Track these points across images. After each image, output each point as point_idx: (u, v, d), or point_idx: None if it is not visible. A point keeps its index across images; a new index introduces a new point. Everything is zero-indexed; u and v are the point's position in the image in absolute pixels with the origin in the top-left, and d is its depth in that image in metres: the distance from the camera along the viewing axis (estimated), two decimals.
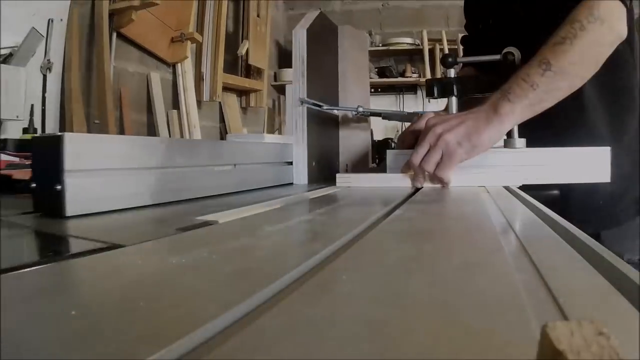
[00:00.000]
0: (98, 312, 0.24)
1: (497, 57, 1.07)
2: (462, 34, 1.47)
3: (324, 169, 1.26)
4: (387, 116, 1.42)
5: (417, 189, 0.96)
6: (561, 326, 0.15)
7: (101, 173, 0.61)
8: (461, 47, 1.49)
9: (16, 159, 1.25)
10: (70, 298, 0.26)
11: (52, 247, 0.46)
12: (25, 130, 1.83)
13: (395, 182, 1.01)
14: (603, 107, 1.11)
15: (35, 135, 0.63)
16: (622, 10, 0.95)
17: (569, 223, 0.51)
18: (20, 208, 0.65)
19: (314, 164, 1.18)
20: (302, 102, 1.16)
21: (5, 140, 1.32)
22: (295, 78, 1.17)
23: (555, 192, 1.06)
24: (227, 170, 0.88)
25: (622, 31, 0.95)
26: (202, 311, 0.23)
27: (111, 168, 0.62)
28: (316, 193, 0.90)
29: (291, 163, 1.15)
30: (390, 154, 1.10)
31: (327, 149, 1.33)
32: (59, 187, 0.55)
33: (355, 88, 1.50)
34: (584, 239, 0.41)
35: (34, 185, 0.60)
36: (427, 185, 0.98)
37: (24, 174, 1.00)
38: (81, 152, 0.57)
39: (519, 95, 0.93)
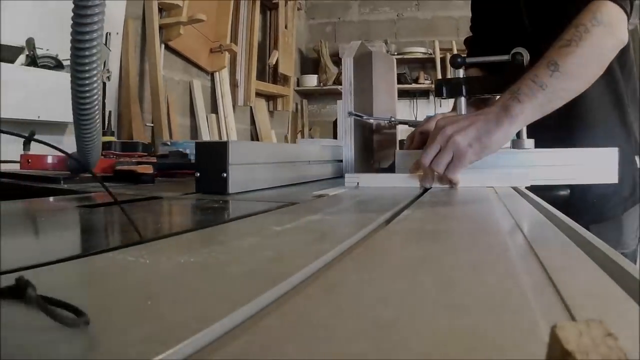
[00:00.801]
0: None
1: (506, 57, 1.09)
2: (468, 35, 1.56)
3: (364, 166, 1.59)
4: (413, 124, 1.75)
5: (426, 189, 0.97)
6: (570, 327, 0.15)
7: (248, 166, 0.95)
8: (466, 48, 1.58)
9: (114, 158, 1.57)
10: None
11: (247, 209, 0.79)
12: (104, 134, 2.15)
13: (403, 182, 1.02)
14: (596, 109, 1.15)
15: (200, 141, 0.96)
16: (623, 17, 0.97)
17: (576, 224, 0.50)
18: (180, 191, 0.98)
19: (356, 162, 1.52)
20: (350, 114, 1.49)
21: (110, 142, 1.65)
22: (345, 96, 1.50)
23: (564, 192, 1.07)
24: (305, 165, 1.22)
25: (623, 36, 0.98)
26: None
27: (254, 162, 0.96)
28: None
29: (341, 161, 1.49)
30: (399, 154, 1.16)
31: (366, 150, 1.67)
32: (224, 174, 0.89)
33: (385, 101, 1.83)
34: (591, 240, 0.41)
35: (197, 174, 0.94)
36: (436, 185, 0.98)
37: (145, 169, 1.32)
38: (238, 152, 0.91)
39: (529, 95, 0.93)
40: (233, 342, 0.19)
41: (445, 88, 1.19)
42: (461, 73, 1.19)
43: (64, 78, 1.00)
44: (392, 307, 0.24)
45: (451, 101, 1.30)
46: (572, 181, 1.02)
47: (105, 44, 2.71)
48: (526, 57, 1.07)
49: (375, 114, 1.78)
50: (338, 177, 1.46)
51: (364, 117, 1.60)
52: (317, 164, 1.32)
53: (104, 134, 2.12)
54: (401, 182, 1.02)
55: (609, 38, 0.96)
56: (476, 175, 0.98)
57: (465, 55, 1.24)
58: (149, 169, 1.30)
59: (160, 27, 2.96)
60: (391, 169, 1.23)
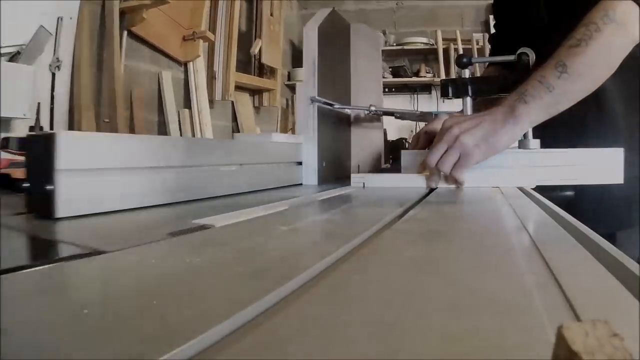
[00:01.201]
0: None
1: (512, 57, 1.07)
2: (492, 32, 1.46)
3: (334, 170, 1.22)
4: (400, 116, 1.38)
5: (432, 190, 0.96)
6: (576, 327, 0.16)
7: (98, 173, 0.58)
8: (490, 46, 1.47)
9: (17, 158, 1.23)
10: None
11: (34, 251, 0.43)
12: (32, 129, 1.81)
13: (409, 182, 1.01)
14: (617, 107, 1.10)
15: (31, 133, 0.61)
16: (637, 13, 0.93)
17: (582, 224, 0.51)
18: (15, 208, 0.62)
19: (324, 164, 1.15)
20: (313, 100, 1.12)
21: (7, 138, 1.29)
22: (306, 76, 1.13)
23: (570, 193, 1.07)
24: (232, 171, 0.85)
25: (637, 34, 0.94)
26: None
27: (108, 168, 0.59)
28: (325, 194, 0.86)
29: (301, 163, 1.12)
30: (405, 154, 1.09)
31: (338, 149, 1.30)
32: (50, 187, 0.52)
33: (368, 87, 1.46)
34: (597, 240, 0.41)
35: (26, 185, 0.58)
36: (442, 185, 0.98)
37: (22, 173, 0.97)
38: (75, 151, 0.54)
39: (535, 97, 0.93)
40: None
41: (451, 88, 1.14)
42: (467, 73, 1.14)
43: None
44: (395, 307, 0.24)
45: (457, 100, 1.18)
46: (578, 182, 1.01)
47: (56, 30, 2.40)
48: (532, 57, 1.05)
49: (354, 104, 1.40)
50: (295, 185, 1.09)
51: (335, 106, 1.23)
52: (259, 167, 0.95)
53: (32, 130, 1.77)
54: (407, 183, 1.01)
55: (621, 37, 0.92)
56: (482, 175, 0.99)
57: (470, 55, 1.16)
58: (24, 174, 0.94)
59: (123, 12, 2.61)
60: (396, 169, 1.14)
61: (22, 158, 1.23)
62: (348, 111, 1.38)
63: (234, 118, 3.60)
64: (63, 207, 0.53)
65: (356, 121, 1.42)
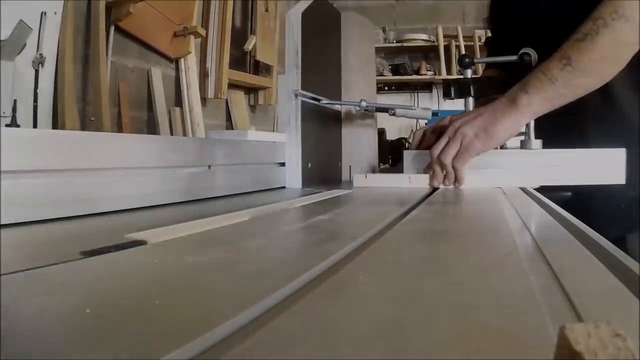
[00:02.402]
0: None
1: (514, 57, 1.07)
2: (488, 36, 1.46)
3: (322, 171, 1.11)
4: (399, 113, 1.26)
5: (434, 190, 0.96)
6: (579, 327, 0.16)
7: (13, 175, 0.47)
8: (486, 49, 1.45)
9: None
10: None
11: None
12: (8, 127, 1.71)
13: (412, 182, 1.01)
14: (626, 106, 1.07)
15: None
16: None
17: (584, 225, 0.51)
18: None
19: (309, 165, 1.04)
20: (296, 95, 1.01)
21: None
22: (289, 68, 1.02)
23: (568, 193, 1.05)
24: (198, 173, 0.74)
25: None
26: None
27: (25, 170, 0.48)
28: (306, 200, 0.75)
29: (284, 164, 1.01)
30: (407, 155, 1.08)
31: (327, 149, 1.19)
32: None
33: (360, 81, 1.35)
34: (598, 241, 0.41)
35: None
36: (443, 185, 0.98)
37: None
38: None
39: (537, 87, 0.92)
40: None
41: (454, 88, 1.15)
42: (469, 73, 1.14)
43: None
44: (400, 307, 0.24)
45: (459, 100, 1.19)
46: (580, 182, 1.00)
47: (40, 25, 2.31)
48: (534, 57, 1.05)
49: (345, 99, 1.29)
50: (276, 188, 0.98)
51: (322, 102, 1.12)
52: (230, 169, 0.84)
53: (9, 127, 1.67)
54: (410, 183, 1.01)
55: (630, 34, 0.90)
56: (484, 175, 0.99)
57: (473, 55, 1.17)
58: None
59: (110, 6, 2.51)
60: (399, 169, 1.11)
61: None
62: (338, 107, 1.27)
63: (228, 117, 3.49)
64: None
65: (348, 119, 1.31)
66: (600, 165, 0.99)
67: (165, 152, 0.68)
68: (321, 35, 1.20)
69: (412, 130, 4.30)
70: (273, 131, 3.89)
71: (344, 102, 1.23)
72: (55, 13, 2.39)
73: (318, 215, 0.56)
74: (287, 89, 1.01)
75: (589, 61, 0.91)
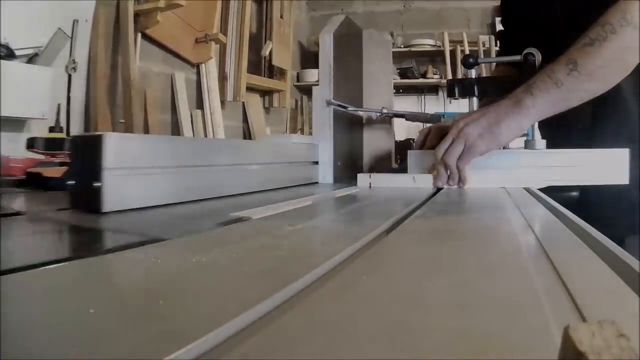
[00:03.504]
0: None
1: (518, 57, 1.07)
2: (500, 30, 1.44)
3: (348, 169, 1.27)
4: (411, 117, 1.43)
5: (438, 190, 0.98)
6: (583, 328, 0.16)
7: (140, 171, 0.63)
8: (498, 42, 1.48)
9: (42, 157, 1.28)
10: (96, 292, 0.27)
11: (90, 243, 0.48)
12: (51, 129, 1.86)
13: (415, 182, 1.03)
14: (632, 108, 1.08)
15: (76, 134, 0.65)
16: None
17: (588, 225, 0.51)
18: (56, 204, 0.68)
19: (338, 163, 1.20)
20: (329, 103, 1.17)
21: (33, 138, 1.34)
22: (322, 80, 1.18)
23: (574, 193, 1.07)
24: (254, 169, 0.90)
25: None
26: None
27: (151, 166, 0.64)
28: (340, 192, 0.91)
29: (317, 163, 1.17)
30: (411, 154, 1.09)
31: (352, 149, 1.35)
32: (98, 184, 0.57)
33: (379, 90, 1.51)
34: (602, 241, 0.42)
35: (71, 182, 0.63)
36: (447, 185, 1.00)
37: (54, 172, 1.02)
38: (120, 151, 0.59)
39: (542, 90, 0.92)
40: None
41: (458, 88, 1.17)
42: (473, 73, 1.16)
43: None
44: (403, 307, 0.25)
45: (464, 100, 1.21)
46: (583, 182, 1.01)
47: (72, 32, 2.44)
48: (538, 57, 1.05)
49: (366, 106, 1.45)
50: (311, 183, 1.14)
51: (349, 108, 1.28)
52: (276, 167, 1.00)
53: (52, 130, 1.82)
54: (413, 183, 1.03)
55: (637, 41, 0.89)
56: (488, 175, 1.00)
57: (476, 56, 1.27)
58: (57, 172, 1.00)
59: (137, 14, 2.66)
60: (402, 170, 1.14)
61: (45, 157, 1.29)
62: (360, 113, 1.43)
63: (244, 119, 3.65)
64: (109, 202, 0.58)
65: (368, 123, 1.47)
66: (603, 166, 0.98)
67: (232, 153, 0.84)
68: (346, 50, 1.36)
69: (419, 131, 4.43)
70: (285, 132, 4.05)
71: (367, 110, 1.39)
72: (87, 21, 2.55)
73: (355, 203, 0.73)
74: (321, 98, 1.17)
75: (595, 67, 0.90)
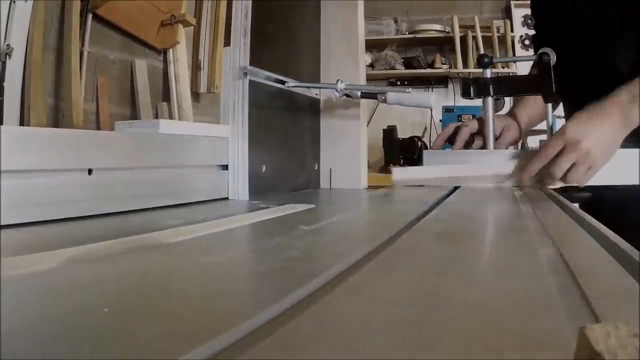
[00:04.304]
0: None
1: (533, 57, 1.06)
2: (533, 34, 1.43)
3: (286, 177, 0.86)
4: (387, 98, 1.00)
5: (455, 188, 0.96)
6: (598, 328, 0.16)
7: None
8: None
9: None
10: None
11: None
12: None
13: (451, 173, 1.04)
14: None
15: None
16: None
17: (602, 225, 0.50)
18: None
19: (264, 168, 0.79)
20: (245, 73, 0.76)
21: None
22: (235, 38, 0.77)
23: (587, 194, 1.03)
24: (72, 180, 0.49)
25: None
26: None
27: None
28: (248, 219, 0.49)
29: (227, 167, 0.76)
30: (427, 154, 1.10)
31: (296, 147, 0.93)
32: None
33: (343, 64, 1.08)
34: (616, 241, 0.40)
35: None
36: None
37: None
38: None
39: None
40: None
41: (473, 88, 1.14)
42: (488, 73, 1.13)
43: None
44: (417, 307, 0.24)
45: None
46: (596, 182, 0.97)
47: (8, 14, 2.15)
48: (553, 57, 1.01)
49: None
50: (210, 200, 0.73)
51: (289, 84, 0.86)
52: (125, 175, 0.58)
53: None
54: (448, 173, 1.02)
55: None
56: (500, 174, 1.01)
57: (492, 55, 1.02)
58: None
59: None
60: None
61: None
62: (316, 95, 1.02)
63: None
64: None
65: (328, 109, 1.05)
66: (615, 166, 0.97)
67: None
68: (293, 4, 0.95)
69: (425, 128, 4.02)
70: None
71: (314, 85, 0.97)
72: (26, 1, 2.21)
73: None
74: (231, 66, 0.75)
75: None
